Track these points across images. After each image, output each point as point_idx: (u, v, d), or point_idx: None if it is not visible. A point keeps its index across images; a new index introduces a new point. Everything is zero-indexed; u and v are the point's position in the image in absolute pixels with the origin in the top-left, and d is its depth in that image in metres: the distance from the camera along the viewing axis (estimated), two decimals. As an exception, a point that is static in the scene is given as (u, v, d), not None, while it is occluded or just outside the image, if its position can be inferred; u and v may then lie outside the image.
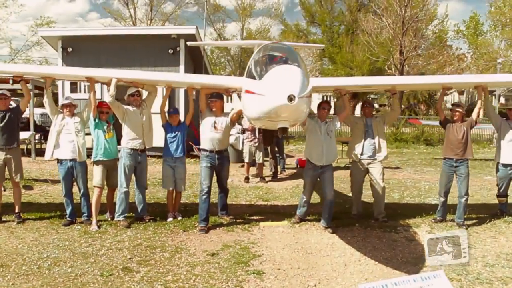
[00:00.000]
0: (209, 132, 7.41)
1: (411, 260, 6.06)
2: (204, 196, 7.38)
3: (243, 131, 13.53)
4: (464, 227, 7.48)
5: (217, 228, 7.45)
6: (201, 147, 7.56)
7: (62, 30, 17.80)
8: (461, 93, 52.50)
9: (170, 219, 7.75)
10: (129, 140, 7.47)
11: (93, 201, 7.53)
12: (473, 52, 40.21)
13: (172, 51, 15.24)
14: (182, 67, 15.42)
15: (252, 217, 8.13)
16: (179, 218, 7.85)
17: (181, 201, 8.30)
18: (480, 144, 23.25)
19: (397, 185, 11.70)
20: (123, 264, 5.77)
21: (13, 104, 8.10)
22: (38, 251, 6.23)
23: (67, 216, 7.63)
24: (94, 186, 7.53)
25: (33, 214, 8.08)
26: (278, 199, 9.88)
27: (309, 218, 7.92)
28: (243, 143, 16.08)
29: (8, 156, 7.59)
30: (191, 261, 5.91)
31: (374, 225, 7.58)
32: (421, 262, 5.92)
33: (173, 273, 5.52)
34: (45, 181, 11.57)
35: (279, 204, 9.46)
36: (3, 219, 7.72)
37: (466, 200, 7.62)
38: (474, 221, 7.94)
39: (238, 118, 7.64)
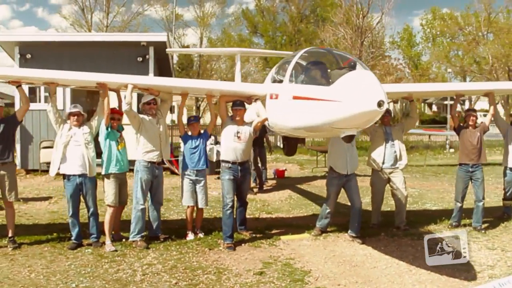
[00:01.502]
0: (232, 142, 6.99)
1: (459, 266, 5.97)
2: (229, 211, 6.93)
3: (217, 142, 13.11)
4: (482, 231, 7.58)
5: (242, 245, 7.02)
6: (222, 157, 7.11)
7: (20, 35, 16.38)
8: (395, 102, 54.76)
9: (191, 237, 7.20)
10: (146, 152, 6.86)
11: (107, 220, 6.85)
12: (407, 62, 42.27)
13: (141, 59, 14.48)
14: (151, 76, 14.70)
15: (270, 232, 7.75)
16: (201, 235, 7.31)
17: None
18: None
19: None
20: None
21: None
22: (61, 281, 5.49)
23: (73, 238, 6.84)
24: (109, 205, 6.85)
25: (24, 238, 7.19)
26: (280, 212, 9.55)
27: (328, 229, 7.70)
28: (217, 154, 15.64)
29: (2, 172, 6.74)
30: (243, 282, 5.47)
31: (399, 234, 7.49)
32: (472, 269, 5.88)
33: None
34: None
35: (285, 216, 9.15)
36: (-6, 244, 6.84)
37: (483, 204, 7.74)
38: (486, 224, 8.05)
39: (261, 127, 7.26)
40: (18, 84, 6.87)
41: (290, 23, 42.67)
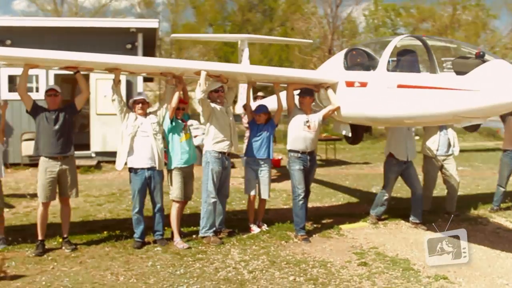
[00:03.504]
0: (302, 132, 6.77)
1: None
2: (301, 202, 6.75)
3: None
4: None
5: (313, 236, 6.85)
6: (290, 147, 6.88)
7: (-1, 19, 14.97)
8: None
9: (256, 230, 6.93)
10: (217, 142, 6.49)
11: (173, 216, 6.43)
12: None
13: (130, 46, 13.72)
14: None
15: (322, 221, 7.64)
16: (264, 228, 7.06)
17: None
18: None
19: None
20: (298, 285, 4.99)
21: None
22: (164, 283, 5.06)
23: (137, 236, 6.34)
24: (174, 201, 6.43)
25: (72, 238, 6.52)
26: (313, 201, 9.27)
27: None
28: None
29: (64, 166, 6.11)
30: (357, 273, 5.33)
31: (455, 220, 7.65)
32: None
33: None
34: (23, 196, 9.60)
35: (321, 206, 9.08)
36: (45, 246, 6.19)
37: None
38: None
39: (331, 115, 7.08)
40: (76, 70, 6.23)
41: (239, 12, 42.40)
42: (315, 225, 7.40)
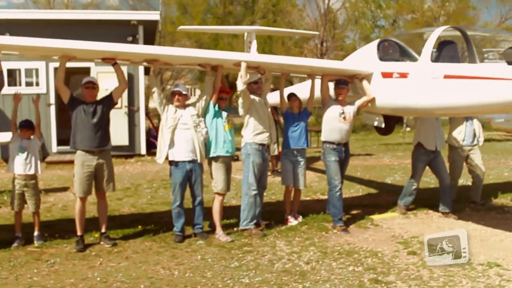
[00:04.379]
0: (337, 123, 6.77)
1: None
2: (338, 193, 6.78)
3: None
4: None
5: (347, 226, 6.85)
6: (325, 138, 6.88)
7: (-3, 12, 14.44)
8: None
9: (294, 222, 6.92)
10: (257, 134, 6.43)
11: (216, 209, 6.36)
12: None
13: (131, 39, 13.47)
14: (140, 57, 13.77)
15: (353, 212, 7.68)
16: (300, 219, 7.05)
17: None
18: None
19: (393, 170, 12.13)
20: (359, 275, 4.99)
21: None
22: (224, 277, 4.98)
23: (177, 230, 6.23)
24: (218, 193, 6.35)
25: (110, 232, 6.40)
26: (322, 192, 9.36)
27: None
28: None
29: (101, 160, 5.96)
30: (414, 262, 5.38)
31: (481, 209, 7.80)
32: None
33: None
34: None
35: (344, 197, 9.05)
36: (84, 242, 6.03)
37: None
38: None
39: (365, 105, 7.07)
40: (113, 61, 6.08)
41: (221, 4, 42.14)
42: (347, 216, 7.42)
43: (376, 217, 7.40)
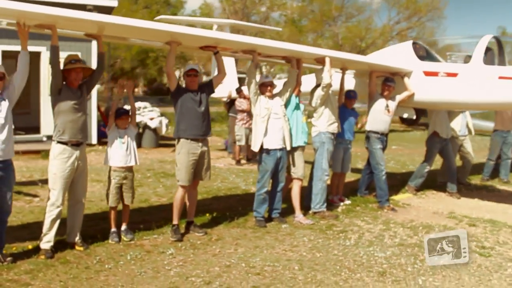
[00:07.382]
0: (383, 115, 7.63)
1: None
2: (384, 177, 7.63)
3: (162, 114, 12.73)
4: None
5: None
6: (371, 129, 7.70)
7: None
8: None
9: (347, 202, 7.67)
10: (330, 124, 7.01)
11: (296, 193, 6.79)
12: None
13: (86, 24, 12.65)
14: (95, 44, 13.04)
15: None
16: (347, 202, 7.78)
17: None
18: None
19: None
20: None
21: None
22: (351, 253, 5.47)
23: (259, 216, 6.52)
24: (299, 179, 6.78)
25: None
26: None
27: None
28: (166, 126, 15.03)
29: (204, 148, 6.01)
30: (484, 232, 6.40)
31: (472, 188, 9.30)
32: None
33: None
34: (34, 183, 8.63)
35: (346, 181, 9.76)
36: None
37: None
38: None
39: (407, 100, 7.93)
40: (216, 50, 6.14)
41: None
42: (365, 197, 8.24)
43: (396, 197, 8.39)
